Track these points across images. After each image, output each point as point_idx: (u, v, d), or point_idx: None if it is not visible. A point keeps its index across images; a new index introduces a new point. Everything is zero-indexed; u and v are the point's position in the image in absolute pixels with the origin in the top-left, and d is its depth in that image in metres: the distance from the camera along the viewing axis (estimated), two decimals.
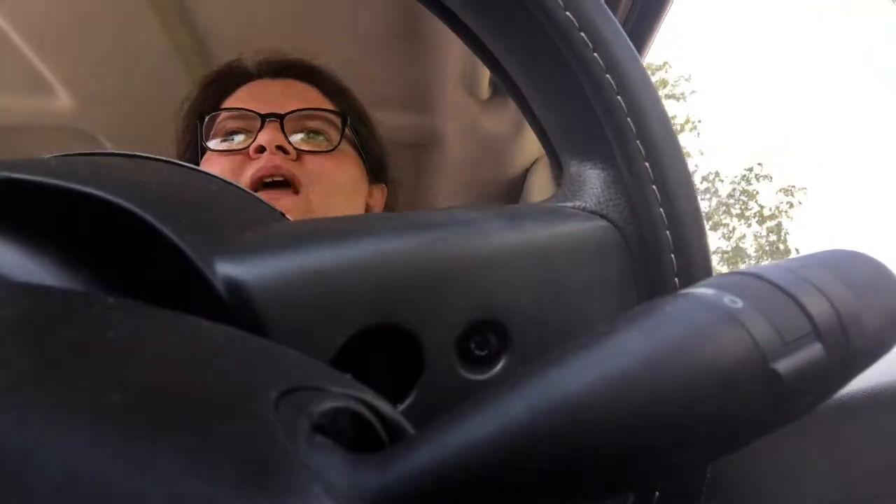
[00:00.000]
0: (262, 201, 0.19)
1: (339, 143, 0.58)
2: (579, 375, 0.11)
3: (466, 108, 0.85)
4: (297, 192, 0.54)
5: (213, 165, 0.56)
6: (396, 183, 0.70)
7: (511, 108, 0.82)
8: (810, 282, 0.13)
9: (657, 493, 0.17)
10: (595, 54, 0.20)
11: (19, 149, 0.89)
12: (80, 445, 0.07)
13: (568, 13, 0.20)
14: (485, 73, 0.78)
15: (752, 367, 0.12)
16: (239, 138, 0.57)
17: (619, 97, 0.20)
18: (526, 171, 0.91)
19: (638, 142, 0.19)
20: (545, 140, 0.24)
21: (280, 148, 0.54)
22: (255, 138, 0.55)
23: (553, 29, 0.20)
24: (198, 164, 0.60)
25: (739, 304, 0.12)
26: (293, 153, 0.55)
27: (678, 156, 0.20)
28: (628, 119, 0.19)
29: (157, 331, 0.11)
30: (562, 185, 0.22)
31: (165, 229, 0.13)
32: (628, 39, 0.21)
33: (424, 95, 0.89)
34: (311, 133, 0.58)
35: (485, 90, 0.81)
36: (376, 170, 0.65)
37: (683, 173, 0.20)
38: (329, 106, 0.61)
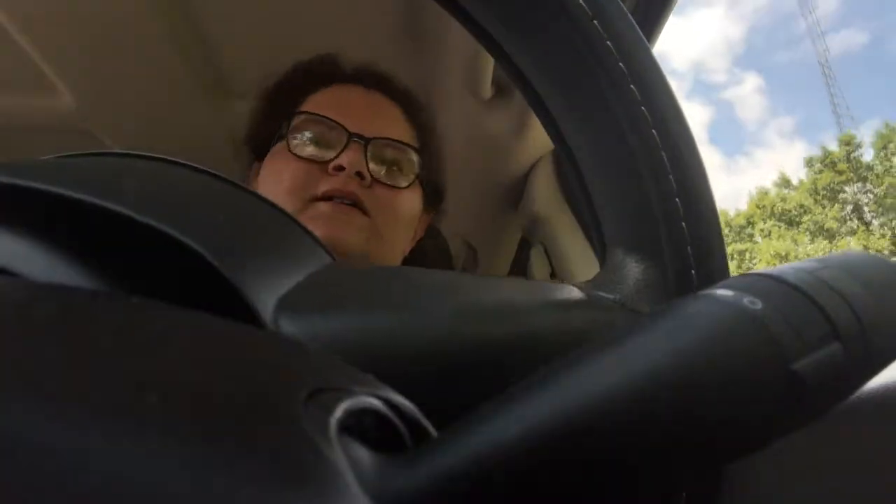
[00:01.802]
0: (277, 207, 0.19)
1: (411, 183, 0.59)
2: (603, 376, 0.11)
3: (468, 107, 0.85)
4: (366, 213, 0.55)
5: (286, 163, 0.57)
6: (443, 211, 0.71)
7: (513, 108, 0.82)
8: (828, 283, 0.13)
9: (681, 495, 0.17)
10: (663, 153, 0.19)
11: (22, 149, 0.89)
12: (123, 446, 0.07)
13: (632, 87, 0.19)
14: (487, 72, 0.78)
15: (773, 368, 0.12)
16: (319, 141, 0.57)
17: (677, 199, 0.19)
18: (528, 171, 0.91)
19: (689, 248, 0.19)
20: (593, 218, 0.23)
21: (358, 173, 0.55)
22: (337, 154, 0.55)
23: (621, 104, 0.19)
24: (267, 147, 0.60)
25: (759, 305, 0.13)
26: (368, 180, 0.56)
27: (725, 263, 0.20)
28: (683, 224, 0.19)
29: (185, 331, 0.11)
30: (603, 271, 0.21)
31: (224, 270, 0.13)
32: (693, 137, 0.20)
33: (426, 95, 0.89)
34: (391, 165, 0.59)
35: (487, 89, 0.81)
36: (432, 198, 0.67)
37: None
38: (409, 135, 0.62)
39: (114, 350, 0.09)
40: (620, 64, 0.19)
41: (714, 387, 0.12)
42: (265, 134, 0.62)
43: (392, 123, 0.61)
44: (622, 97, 0.20)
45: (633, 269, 0.20)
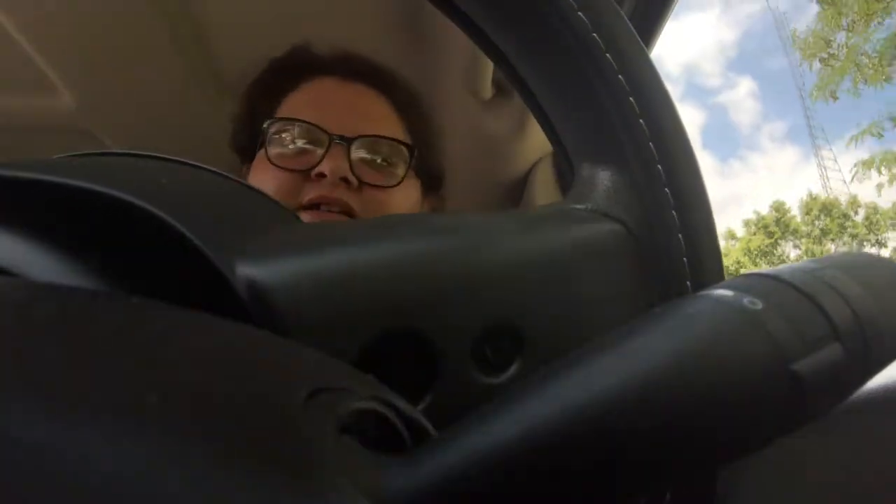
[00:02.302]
0: (277, 203, 0.19)
1: (401, 181, 0.55)
2: (603, 377, 0.11)
3: (468, 107, 0.85)
4: (350, 216, 0.52)
5: (267, 172, 0.54)
6: (444, 198, 0.67)
7: (513, 108, 0.82)
8: (828, 283, 0.13)
9: (669, 496, 0.17)
10: (608, 55, 0.20)
11: (22, 149, 0.89)
12: (123, 446, 0.07)
13: (581, 14, 0.20)
14: (486, 73, 0.78)
15: (774, 368, 0.12)
16: (300, 148, 0.54)
17: (631, 98, 0.20)
18: (528, 172, 0.91)
19: (651, 144, 0.19)
20: (556, 141, 0.24)
21: (343, 179, 0.52)
22: (319, 160, 0.52)
23: (567, 30, 0.20)
24: (253, 153, 0.57)
25: (759, 305, 0.13)
26: (355, 183, 0.53)
27: (691, 159, 0.20)
28: (641, 121, 0.19)
29: (185, 331, 0.11)
30: (573, 187, 0.22)
31: (184, 229, 0.13)
32: (641, 42, 0.21)
33: (425, 95, 0.89)
34: (378, 162, 0.55)
35: (487, 90, 0.81)
36: (431, 184, 0.63)
37: (696, 177, 0.20)
38: (398, 128, 0.58)
39: (114, 350, 0.09)
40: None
41: (713, 387, 0.12)
42: (248, 139, 0.59)
43: (376, 117, 0.57)
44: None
45: (601, 177, 0.21)
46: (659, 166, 0.19)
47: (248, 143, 0.59)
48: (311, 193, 0.51)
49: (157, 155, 0.19)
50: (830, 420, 0.14)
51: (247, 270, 0.14)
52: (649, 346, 0.12)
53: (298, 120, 0.55)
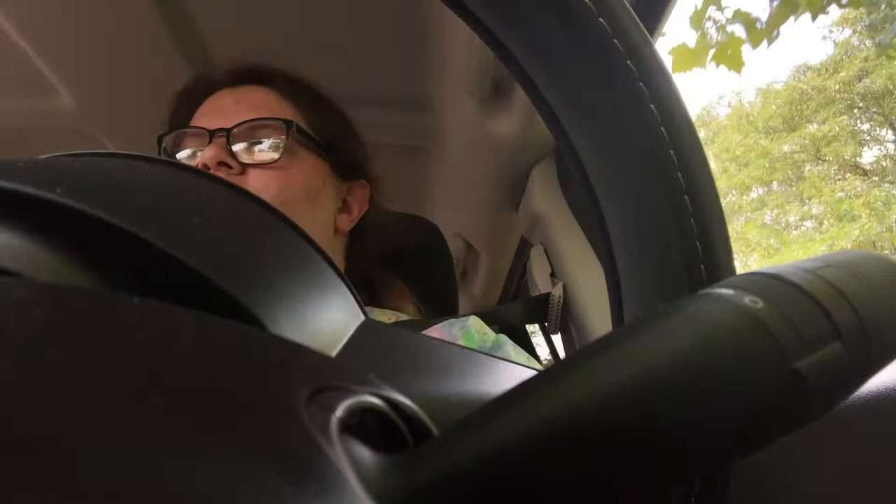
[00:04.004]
0: (318, 249, 0.18)
1: (283, 153, 0.57)
2: (604, 376, 0.11)
3: (468, 107, 0.85)
4: None
5: None
6: (379, 180, 0.69)
7: (513, 109, 0.82)
8: (829, 282, 0.13)
9: (690, 494, 0.17)
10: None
11: (21, 150, 0.89)
12: (125, 447, 0.07)
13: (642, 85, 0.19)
14: (487, 73, 0.78)
15: (775, 367, 0.12)
16: (188, 154, 0.58)
17: (686, 197, 0.19)
18: (528, 172, 0.91)
19: (697, 243, 0.19)
20: (601, 225, 0.22)
21: (224, 164, 0.55)
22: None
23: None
24: None
25: (760, 304, 0.13)
26: (237, 167, 0.55)
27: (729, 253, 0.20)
28: (692, 221, 0.19)
29: (187, 331, 0.11)
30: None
31: (240, 299, 0.13)
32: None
33: (426, 95, 0.89)
34: (258, 142, 0.57)
35: (487, 90, 0.81)
36: (347, 167, 0.64)
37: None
38: (280, 110, 0.60)
39: (115, 350, 0.09)
40: (621, 49, 0.19)
41: (715, 386, 0.12)
42: None
43: (259, 106, 0.59)
44: (624, 90, 0.19)
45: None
46: (702, 267, 0.19)
47: None
48: None
49: (156, 158, 0.19)
50: (831, 419, 0.14)
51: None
52: (650, 345, 0.12)
53: (180, 128, 0.59)
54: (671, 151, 0.19)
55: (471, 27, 0.23)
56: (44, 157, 0.17)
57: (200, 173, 0.18)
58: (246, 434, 0.08)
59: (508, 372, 0.19)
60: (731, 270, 0.19)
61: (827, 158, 10.55)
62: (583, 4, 0.19)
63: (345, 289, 0.18)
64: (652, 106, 0.19)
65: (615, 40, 0.19)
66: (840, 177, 10.54)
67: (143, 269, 0.14)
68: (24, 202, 0.13)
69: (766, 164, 11.43)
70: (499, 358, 0.20)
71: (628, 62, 0.19)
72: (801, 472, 0.25)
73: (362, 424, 0.11)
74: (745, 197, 12.11)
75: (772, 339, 0.12)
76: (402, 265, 0.72)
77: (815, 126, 10.75)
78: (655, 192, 0.19)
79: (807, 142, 10.74)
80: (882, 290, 0.14)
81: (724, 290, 0.13)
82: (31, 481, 0.06)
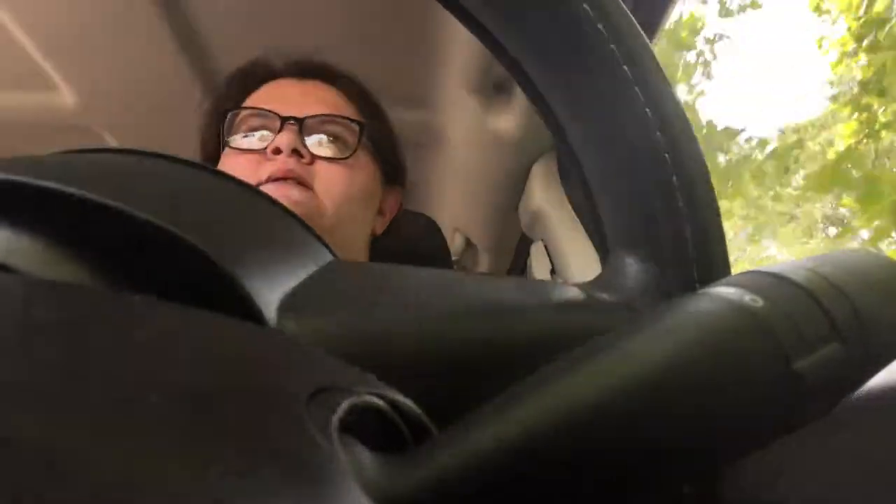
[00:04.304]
0: (305, 226, 0.19)
1: (354, 152, 0.59)
2: (604, 376, 0.11)
3: (469, 105, 0.85)
4: (307, 187, 0.56)
5: (231, 161, 0.58)
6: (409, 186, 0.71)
7: (514, 106, 0.82)
8: (829, 281, 0.13)
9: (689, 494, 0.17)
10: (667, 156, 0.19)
11: (23, 146, 0.89)
12: (124, 446, 0.07)
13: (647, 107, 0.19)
14: (488, 71, 0.78)
15: (775, 366, 0.12)
16: (258, 136, 0.59)
17: (682, 205, 0.19)
18: (528, 169, 0.91)
19: (690, 245, 0.19)
20: (595, 223, 0.23)
21: (296, 151, 0.56)
22: (273, 139, 0.56)
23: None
24: (218, 158, 0.61)
25: (760, 303, 0.13)
26: (308, 157, 0.57)
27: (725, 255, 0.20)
28: (685, 221, 0.19)
29: (188, 330, 0.11)
30: (605, 270, 0.21)
31: (224, 266, 0.13)
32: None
33: (427, 94, 0.89)
34: (329, 138, 0.59)
35: (488, 89, 0.81)
36: (391, 174, 0.66)
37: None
38: (348, 111, 0.62)
39: (115, 349, 0.09)
40: (613, 46, 0.19)
41: (714, 385, 0.12)
42: (213, 134, 0.63)
43: (327, 102, 0.61)
44: (620, 88, 0.19)
45: (633, 270, 0.20)
46: (695, 273, 0.19)
47: (213, 137, 0.64)
48: (267, 170, 0.55)
49: (157, 153, 0.19)
50: (831, 419, 0.14)
51: (291, 327, 0.14)
52: (650, 344, 0.12)
53: (254, 108, 0.60)
54: (666, 155, 0.19)
55: (468, 28, 0.23)
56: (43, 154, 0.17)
57: (193, 164, 0.19)
58: (246, 434, 0.08)
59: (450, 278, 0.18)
60: (727, 268, 0.19)
61: None
62: (580, 8, 0.19)
63: (312, 237, 0.19)
64: (647, 110, 0.19)
65: (612, 45, 0.19)
66: None
67: (138, 255, 0.14)
68: (22, 195, 0.13)
69: None
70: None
71: (624, 67, 0.19)
72: (801, 472, 0.25)
73: (362, 424, 0.11)
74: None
75: (772, 339, 0.12)
76: (399, 260, 0.72)
77: None
78: (650, 188, 0.19)
79: None
80: (882, 288, 0.14)
81: (724, 289, 0.13)
82: (24, 482, 0.06)
